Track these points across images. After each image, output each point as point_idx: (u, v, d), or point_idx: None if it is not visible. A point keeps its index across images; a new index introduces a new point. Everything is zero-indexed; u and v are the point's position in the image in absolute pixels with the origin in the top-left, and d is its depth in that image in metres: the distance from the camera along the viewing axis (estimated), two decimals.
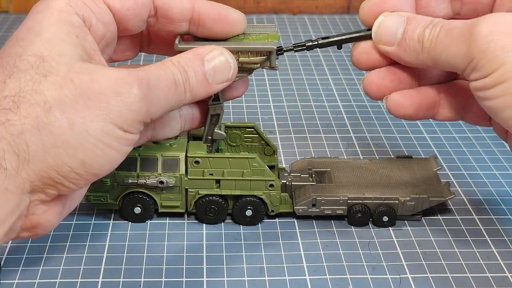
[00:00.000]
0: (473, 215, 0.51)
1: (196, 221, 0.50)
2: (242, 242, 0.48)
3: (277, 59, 0.47)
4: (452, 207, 0.52)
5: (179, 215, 0.51)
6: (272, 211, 0.50)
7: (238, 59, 0.45)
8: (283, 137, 0.63)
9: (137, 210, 0.49)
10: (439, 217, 0.51)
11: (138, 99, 0.39)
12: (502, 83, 0.38)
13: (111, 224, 0.50)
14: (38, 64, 0.38)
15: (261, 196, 0.49)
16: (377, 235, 0.49)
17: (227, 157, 0.48)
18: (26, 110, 0.37)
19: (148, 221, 0.50)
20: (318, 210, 0.49)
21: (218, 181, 0.49)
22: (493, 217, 0.51)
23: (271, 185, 0.49)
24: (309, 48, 0.47)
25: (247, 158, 0.48)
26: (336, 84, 0.74)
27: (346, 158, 0.56)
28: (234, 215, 0.50)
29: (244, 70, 0.46)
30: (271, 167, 0.52)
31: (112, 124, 0.38)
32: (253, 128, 0.53)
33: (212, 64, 0.43)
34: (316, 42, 0.47)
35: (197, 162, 0.48)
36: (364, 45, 0.45)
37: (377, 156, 0.60)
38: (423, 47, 0.42)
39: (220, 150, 0.52)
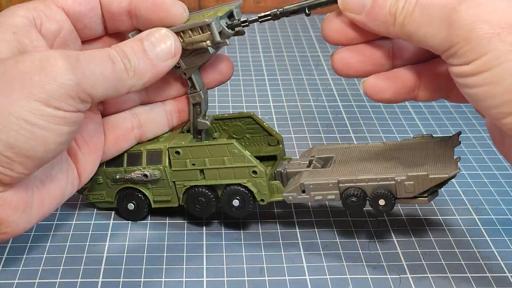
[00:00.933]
0: (473, 215, 0.51)
1: (196, 220, 0.50)
2: (242, 242, 0.48)
3: (239, 35, 0.46)
4: (452, 207, 0.52)
5: (180, 215, 0.51)
6: (262, 200, 0.48)
7: (183, 41, 0.45)
8: (283, 137, 0.63)
9: (130, 206, 0.50)
10: (439, 217, 0.51)
11: (64, 71, 0.38)
12: (484, 72, 0.36)
13: (111, 224, 0.50)
14: None
15: (245, 184, 0.47)
16: (377, 235, 0.49)
17: (206, 145, 0.47)
18: None
19: (148, 221, 0.50)
20: (308, 196, 0.46)
21: (202, 172, 0.48)
22: (493, 217, 0.51)
23: (254, 172, 0.47)
24: (275, 17, 0.45)
25: (225, 144, 0.47)
26: (336, 84, 0.74)
27: (358, 143, 0.52)
28: (222, 206, 0.49)
29: (200, 51, 0.46)
30: (273, 157, 0.51)
31: (36, 101, 0.37)
32: (252, 118, 0.51)
33: (151, 40, 0.43)
34: (282, 9, 0.45)
35: (177, 152, 0.48)
36: (337, 20, 0.43)
37: (397, 136, 0.57)
38: (396, 21, 0.39)
39: None
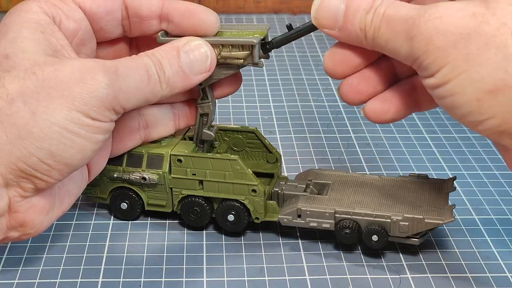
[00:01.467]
0: (473, 215, 0.51)
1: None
2: (242, 242, 0.48)
3: (266, 57, 0.46)
4: None
5: (179, 216, 0.51)
6: (257, 218, 0.48)
7: (219, 54, 0.45)
8: (283, 137, 0.63)
9: (123, 206, 0.50)
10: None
11: (104, 86, 0.38)
12: (447, 83, 0.37)
13: (111, 224, 0.50)
14: (1, 62, 0.38)
15: (243, 201, 0.47)
16: None
17: (209, 158, 0.47)
18: None
19: (148, 222, 0.50)
20: (303, 221, 0.46)
21: (201, 183, 0.48)
22: (493, 217, 0.51)
23: (254, 190, 0.47)
24: (270, 49, 0.46)
25: (229, 159, 0.47)
26: (336, 84, 0.74)
27: (355, 173, 0.53)
28: (216, 219, 0.49)
29: (229, 66, 0.46)
30: (270, 175, 0.51)
31: (77, 111, 0.38)
32: (254, 133, 0.51)
33: (188, 54, 0.43)
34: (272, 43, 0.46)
35: (179, 160, 0.48)
36: (337, 53, 0.43)
37: (384, 172, 0.58)
38: (366, 35, 0.40)
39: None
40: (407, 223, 0.45)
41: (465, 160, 0.59)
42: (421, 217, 0.44)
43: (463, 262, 0.46)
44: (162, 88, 0.42)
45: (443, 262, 0.46)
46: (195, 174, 0.48)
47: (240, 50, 0.45)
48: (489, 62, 0.36)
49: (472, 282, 0.44)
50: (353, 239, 0.46)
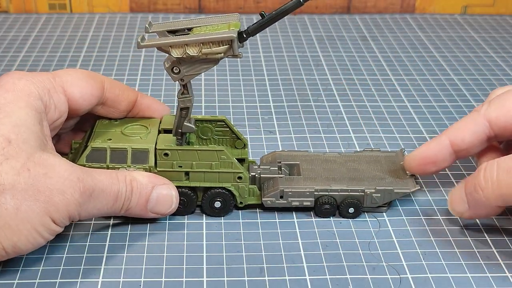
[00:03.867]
0: None
1: (196, 220, 0.50)
2: (242, 242, 0.48)
3: (242, 46, 0.47)
4: None
5: (179, 216, 0.51)
6: (241, 203, 0.51)
7: (201, 51, 0.46)
8: (283, 137, 0.63)
9: None
10: (439, 217, 0.51)
11: (77, 203, 0.43)
12: None
13: (111, 224, 0.50)
14: (3, 146, 0.42)
15: (229, 188, 0.50)
16: (377, 235, 0.49)
17: (196, 150, 0.49)
18: None
19: (148, 222, 0.50)
20: (285, 201, 0.50)
21: (187, 173, 0.50)
22: (492, 217, 0.51)
23: (240, 177, 0.50)
24: (251, 33, 0.47)
25: (215, 150, 0.49)
26: (336, 84, 0.74)
27: (315, 152, 0.56)
28: (203, 206, 0.51)
29: (210, 61, 0.47)
30: (241, 160, 0.52)
31: (49, 217, 0.42)
32: (224, 122, 0.54)
33: (159, 194, 0.48)
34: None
35: (166, 154, 0.49)
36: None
37: (342, 150, 0.60)
38: (484, 191, 0.45)
39: (191, 143, 0.53)
40: (379, 195, 0.50)
41: (465, 160, 0.59)
42: (391, 188, 0.50)
43: (463, 262, 0.46)
44: (120, 212, 0.47)
45: (443, 262, 0.46)
46: (181, 166, 0.50)
47: (220, 45, 0.46)
48: None
49: (472, 282, 0.44)
50: (332, 213, 0.51)
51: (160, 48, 0.47)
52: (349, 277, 0.45)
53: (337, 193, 0.50)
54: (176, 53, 0.46)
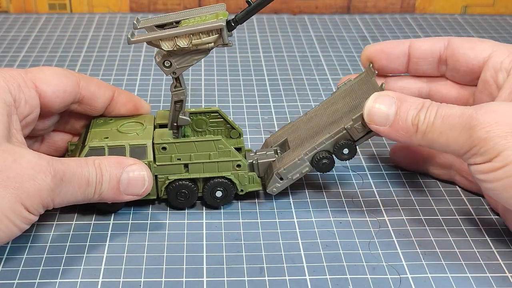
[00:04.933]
0: (473, 215, 0.51)
1: (196, 220, 0.50)
2: (242, 242, 0.48)
3: (230, 35, 0.48)
4: (452, 207, 0.52)
5: (179, 216, 0.51)
6: (242, 190, 0.51)
7: (191, 42, 0.47)
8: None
9: None
10: (439, 217, 0.51)
11: (49, 188, 0.43)
12: (504, 167, 0.41)
13: (111, 224, 0.50)
14: None
15: (229, 177, 0.50)
16: (377, 235, 0.49)
17: (193, 141, 0.50)
18: None
19: (148, 222, 0.50)
20: (286, 180, 0.50)
21: (186, 165, 0.50)
22: (493, 217, 0.51)
23: (238, 165, 0.50)
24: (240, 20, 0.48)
25: (212, 140, 0.50)
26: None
27: (298, 118, 0.56)
28: (204, 197, 0.51)
29: (200, 51, 0.48)
30: (238, 149, 0.53)
31: (20, 204, 0.42)
32: (218, 113, 0.54)
33: (130, 175, 0.47)
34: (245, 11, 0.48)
35: (164, 148, 0.49)
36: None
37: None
38: (418, 130, 0.45)
39: (186, 136, 0.53)
40: (359, 122, 0.48)
41: None
42: (362, 111, 0.48)
43: (463, 262, 0.46)
44: (93, 197, 0.46)
45: (443, 262, 0.46)
46: (180, 159, 0.50)
47: (210, 35, 0.47)
48: None
49: (472, 282, 0.44)
50: (332, 164, 0.50)
51: (150, 42, 0.47)
52: (349, 277, 0.45)
53: (324, 144, 0.50)
54: (166, 46, 0.47)
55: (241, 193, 0.51)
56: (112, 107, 0.53)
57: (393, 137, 0.46)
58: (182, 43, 0.47)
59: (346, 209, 0.52)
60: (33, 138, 0.53)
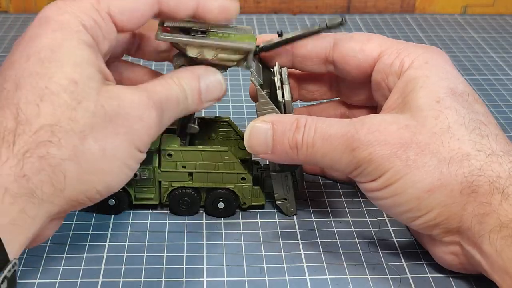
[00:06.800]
0: None
1: (196, 220, 0.50)
2: (242, 242, 0.48)
3: (254, 61, 0.48)
4: None
5: (180, 216, 0.51)
6: (244, 203, 0.50)
7: (216, 55, 0.46)
8: None
9: (111, 202, 0.50)
10: None
11: (156, 123, 0.42)
12: (389, 186, 0.42)
13: (111, 224, 0.50)
14: (71, 89, 0.39)
15: (233, 189, 0.50)
16: (377, 235, 0.49)
17: (200, 150, 0.49)
18: (65, 140, 0.38)
19: (148, 222, 0.50)
20: (288, 197, 0.50)
21: (191, 174, 0.50)
22: None
23: (243, 178, 0.50)
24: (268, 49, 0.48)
25: (219, 151, 0.49)
26: None
27: None
28: (206, 207, 0.51)
29: (220, 67, 0.47)
30: (245, 160, 0.52)
31: (135, 147, 0.41)
32: (228, 123, 0.54)
33: (206, 82, 0.46)
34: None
35: (170, 155, 0.49)
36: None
37: None
38: (298, 152, 0.44)
39: (194, 144, 0.53)
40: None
41: None
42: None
43: None
44: (181, 113, 0.45)
45: None
46: (185, 167, 0.50)
47: (236, 54, 0.46)
48: (426, 165, 0.41)
49: (472, 282, 0.44)
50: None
51: (176, 44, 0.46)
52: (349, 277, 0.45)
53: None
54: (191, 53, 0.46)
55: (244, 206, 0.51)
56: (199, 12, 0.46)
57: (278, 161, 0.46)
58: (208, 54, 0.46)
59: (346, 209, 0.52)
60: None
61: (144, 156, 0.42)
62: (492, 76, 0.77)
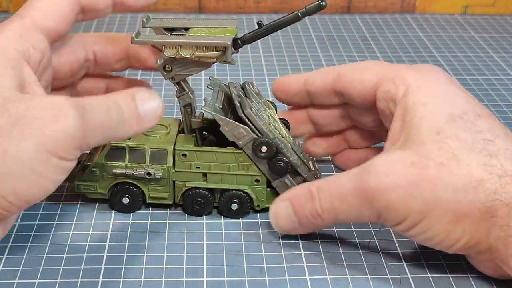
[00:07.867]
0: None
1: (196, 220, 0.50)
2: (242, 242, 0.48)
3: (236, 53, 0.48)
4: None
5: (180, 216, 0.51)
6: (258, 205, 0.50)
7: (194, 54, 0.46)
8: None
9: (125, 200, 0.50)
10: None
11: (75, 123, 0.38)
12: (415, 226, 0.42)
13: (111, 224, 0.50)
14: None
15: (246, 191, 0.50)
16: (377, 235, 0.49)
17: (214, 151, 0.49)
18: None
19: (148, 222, 0.50)
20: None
21: (205, 174, 0.50)
22: None
23: (257, 180, 0.50)
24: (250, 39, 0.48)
25: (233, 152, 0.49)
26: None
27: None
28: (219, 208, 0.51)
29: (202, 64, 0.47)
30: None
31: (46, 152, 0.38)
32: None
33: (141, 98, 0.43)
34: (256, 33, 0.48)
35: (184, 155, 0.49)
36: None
37: None
38: (323, 219, 0.45)
39: (209, 140, 0.52)
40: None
41: None
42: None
43: (463, 262, 0.46)
44: (121, 128, 0.42)
45: (443, 262, 0.46)
46: (199, 167, 0.49)
47: (214, 50, 0.46)
48: (443, 200, 0.41)
49: (472, 282, 0.44)
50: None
51: (153, 46, 0.47)
52: (349, 277, 0.45)
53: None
54: (169, 53, 0.47)
55: (257, 208, 0.50)
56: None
57: (311, 231, 0.47)
58: (185, 53, 0.46)
59: None
60: (63, 89, 0.51)
61: (68, 164, 0.39)
62: (492, 76, 0.77)
